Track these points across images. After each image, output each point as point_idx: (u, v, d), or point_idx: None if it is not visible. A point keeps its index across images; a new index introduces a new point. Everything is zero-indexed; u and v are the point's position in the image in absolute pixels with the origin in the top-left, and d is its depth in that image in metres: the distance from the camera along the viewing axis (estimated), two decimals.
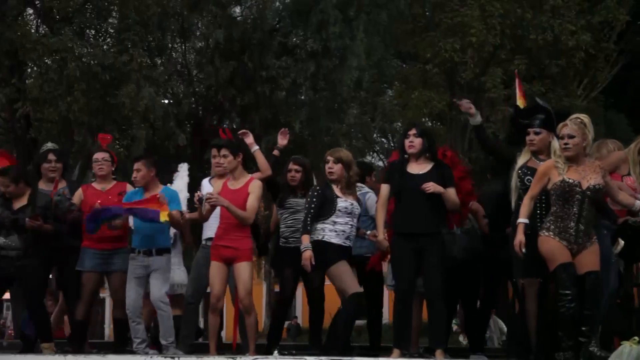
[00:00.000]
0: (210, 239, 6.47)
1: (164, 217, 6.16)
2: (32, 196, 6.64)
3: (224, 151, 6.31)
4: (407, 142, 5.85)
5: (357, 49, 13.58)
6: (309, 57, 13.75)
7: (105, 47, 13.92)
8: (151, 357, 5.77)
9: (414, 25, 19.47)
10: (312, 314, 6.62)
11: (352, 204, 6.15)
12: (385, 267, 7.01)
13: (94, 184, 6.94)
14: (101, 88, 13.17)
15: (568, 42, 17.96)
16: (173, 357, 5.69)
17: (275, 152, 6.97)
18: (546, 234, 5.31)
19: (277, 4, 14.68)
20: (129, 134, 13.30)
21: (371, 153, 23.88)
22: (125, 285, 6.47)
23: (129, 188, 6.90)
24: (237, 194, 6.13)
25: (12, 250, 6.47)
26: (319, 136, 14.44)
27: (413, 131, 5.87)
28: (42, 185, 6.93)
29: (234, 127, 15.12)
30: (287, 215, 6.54)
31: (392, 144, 24.86)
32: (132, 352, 6.22)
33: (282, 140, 7.02)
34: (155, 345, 6.68)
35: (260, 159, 6.70)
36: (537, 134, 5.74)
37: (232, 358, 5.62)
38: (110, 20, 14.67)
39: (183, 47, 14.95)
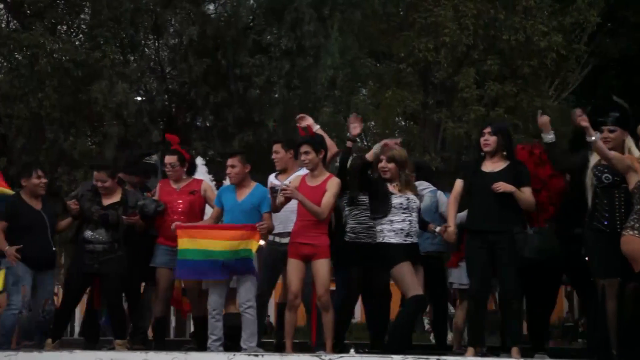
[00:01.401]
0: (278, 234, 6.43)
1: (254, 247, 6.07)
2: (124, 195, 6.66)
3: (306, 147, 6.18)
4: (482, 140, 5.84)
5: (331, 47, 13.60)
6: (283, 55, 13.74)
7: (77, 43, 13.80)
8: (234, 355, 5.64)
9: (388, 24, 19.53)
10: (375, 315, 6.61)
11: (407, 199, 6.12)
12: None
13: (170, 182, 6.87)
14: (73, 84, 13.05)
15: (540, 43, 18.12)
16: (257, 356, 5.58)
17: (349, 144, 6.68)
18: (631, 233, 5.21)
19: (252, 1, 14.64)
20: (101, 131, 13.19)
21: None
22: (199, 283, 6.45)
23: (205, 185, 6.85)
24: (315, 191, 6.08)
25: (98, 244, 6.48)
26: (293, 134, 14.41)
27: (488, 129, 5.87)
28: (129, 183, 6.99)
29: (207, 124, 15.08)
30: (357, 212, 6.43)
31: (365, 143, 24.92)
32: (213, 350, 6.12)
33: (355, 130, 6.67)
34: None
35: (325, 137, 6.59)
36: (611, 131, 5.60)
37: (317, 356, 5.51)
38: (82, 16, 14.53)
39: (156, 44, 14.86)
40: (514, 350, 5.64)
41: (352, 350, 5.83)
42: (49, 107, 12.63)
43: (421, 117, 20.04)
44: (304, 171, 6.33)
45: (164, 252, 6.61)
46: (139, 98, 14.17)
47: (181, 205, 6.67)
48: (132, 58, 14.37)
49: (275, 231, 6.48)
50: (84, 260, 6.53)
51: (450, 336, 8.32)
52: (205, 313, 6.47)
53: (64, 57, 12.84)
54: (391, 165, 6.18)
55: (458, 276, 7.04)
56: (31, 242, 6.42)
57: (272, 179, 6.78)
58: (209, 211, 6.72)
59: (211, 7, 14.87)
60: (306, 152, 6.15)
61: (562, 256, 5.91)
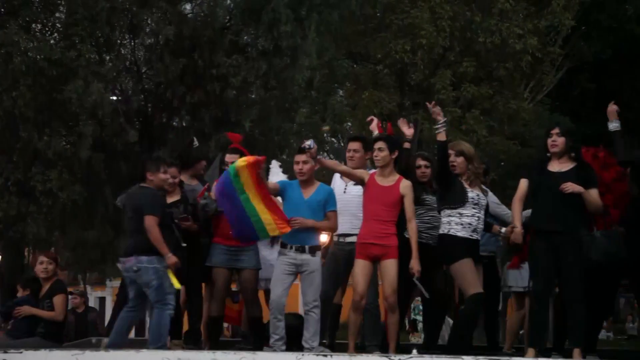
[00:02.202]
0: (343, 235, 6.41)
1: (273, 232, 6.08)
2: (184, 194, 6.65)
3: (380, 144, 6.17)
4: (549, 141, 5.81)
5: (308, 48, 13.58)
6: (260, 55, 13.71)
7: (52, 41, 13.65)
8: (302, 355, 5.60)
9: (365, 26, 19.59)
10: (432, 314, 6.60)
11: (478, 195, 6.10)
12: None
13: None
14: (47, 83, 12.92)
15: (515, 45, 18.27)
16: (326, 356, 5.52)
17: (406, 145, 6.71)
18: None
19: (228, 1, 14.58)
20: (76, 131, 13.07)
21: (321, 153, 23.93)
22: (256, 283, 6.48)
23: None
24: (386, 191, 6.07)
25: None
26: (270, 135, 14.41)
27: (556, 130, 5.84)
28: (185, 180, 6.92)
29: (184, 124, 15.01)
30: (422, 212, 6.44)
31: (342, 144, 24.93)
32: (276, 350, 6.09)
33: (408, 130, 6.73)
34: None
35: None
36: None
37: (386, 357, 5.50)
38: (57, 15, 14.38)
39: (132, 43, 14.76)
40: (576, 352, 5.63)
41: (414, 351, 5.79)
42: (23, 106, 12.49)
43: (398, 118, 20.14)
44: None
45: (221, 252, 6.56)
46: (115, 98, 14.07)
47: None
48: (108, 57, 14.25)
49: (340, 231, 6.47)
50: None
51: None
52: (260, 314, 6.53)
53: (38, 56, 12.70)
54: (460, 160, 6.14)
55: (514, 279, 7.03)
56: (166, 238, 6.29)
57: (337, 176, 6.76)
58: None
59: (188, 6, 14.80)
60: (380, 149, 6.13)
61: (627, 260, 5.88)
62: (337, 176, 6.78)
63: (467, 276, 5.90)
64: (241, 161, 6.08)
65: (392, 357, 5.41)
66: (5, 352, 5.71)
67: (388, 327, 6.11)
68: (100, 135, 13.28)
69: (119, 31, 14.20)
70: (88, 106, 12.50)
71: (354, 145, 6.67)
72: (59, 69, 12.68)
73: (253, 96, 14.21)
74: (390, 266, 5.98)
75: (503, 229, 6.30)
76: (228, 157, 6.74)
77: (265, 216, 6.09)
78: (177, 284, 6.17)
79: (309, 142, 6.15)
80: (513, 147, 20.11)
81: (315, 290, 6.15)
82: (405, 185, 6.10)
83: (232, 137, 7.19)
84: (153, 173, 6.31)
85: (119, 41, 14.51)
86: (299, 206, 6.21)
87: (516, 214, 5.88)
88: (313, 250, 6.20)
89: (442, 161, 6.08)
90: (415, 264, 5.95)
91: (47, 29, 14.30)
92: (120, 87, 14.48)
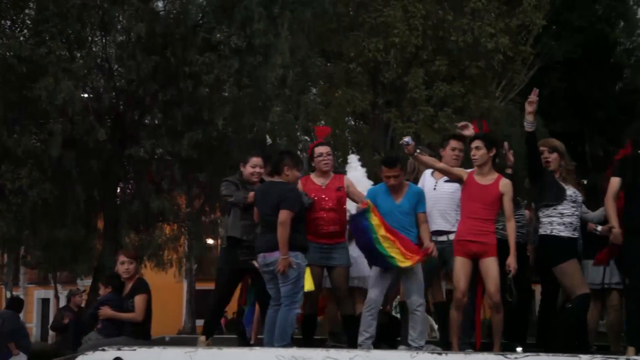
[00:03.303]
0: (434, 232, 6.38)
1: (405, 264, 6.05)
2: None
3: (477, 143, 6.17)
4: None
5: (281, 46, 13.55)
6: (232, 53, 13.65)
7: (22, 38, 13.48)
8: (417, 353, 5.57)
9: (338, 24, 19.61)
10: (517, 313, 6.55)
11: (574, 192, 6.07)
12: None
13: (313, 178, 6.80)
14: (17, 80, 12.76)
15: (487, 44, 18.40)
16: (440, 354, 5.48)
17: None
18: None
19: None
20: (47, 128, 12.93)
21: (298, 151, 23.92)
22: (347, 280, 6.49)
23: (347, 181, 6.79)
24: (486, 190, 6.05)
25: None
26: (243, 133, 14.36)
27: None
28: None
29: (156, 122, 14.91)
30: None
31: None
32: (364, 348, 6.04)
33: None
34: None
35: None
36: None
37: (502, 355, 5.42)
38: (27, 11, 14.20)
39: (103, 41, 14.62)
40: (631, 349, 5.67)
41: (519, 349, 5.77)
42: None
43: (371, 116, 20.17)
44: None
45: (314, 250, 6.51)
46: (86, 95, 13.93)
47: (330, 202, 6.62)
48: (79, 55, 14.11)
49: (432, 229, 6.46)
50: (237, 256, 6.47)
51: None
52: (354, 311, 6.53)
53: (7, 53, 12.55)
54: (554, 156, 6.12)
55: (594, 276, 6.98)
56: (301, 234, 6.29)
57: (427, 173, 6.76)
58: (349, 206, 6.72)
59: (160, 4, 14.69)
60: (477, 147, 6.14)
61: None
62: (427, 172, 6.77)
63: (575, 276, 5.92)
64: (373, 208, 6.17)
65: (508, 356, 5.37)
66: (119, 349, 5.75)
67: (493, 325, 6.10)
68: (71, 133, 13.15)
69: (90, 28, 14.08)
70: (58, 104, 12.36)
71: (457, 144, 6.67)
72: (29, 66, 12.53)
73: (226, 94, 14.15)
74: (491, 264, 5.97)
75: (599, 227, 6.28)
76: (321, 149, 6.82)
77: (395, 252, 6.10)
78: (310, 286, 6.18)
79: (406, 139, 6.17)
80: None
81: (419, 289, 6.18)
82: (505, 184, 6.10)
83: (319, 131, 7.18)
84: (290, 169, 6.33)
85: (90, 38, 14.37)
86: (392, 211, 6.25)
87: (612, 213, 5.82)
88: None
89: (532, 154, 6.07)
90: (512, 262, 5.93)
91: (16, 25, 14.12)
92: (91, 85, 14.34)
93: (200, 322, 36.79)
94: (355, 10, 19.64)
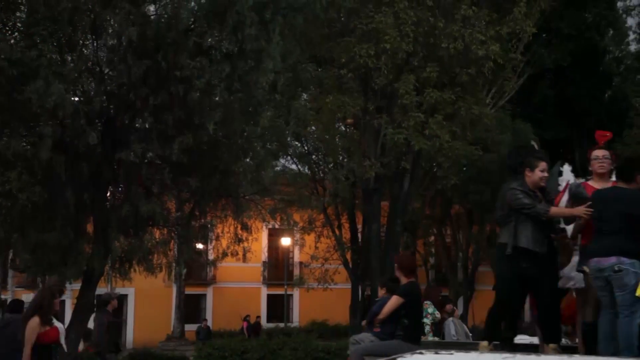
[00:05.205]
0: None
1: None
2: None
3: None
4: None
5: (273, 51, 13.56)
6: (224, 58, 13.65)
7: (12, 41, 13.45)
8: None
9: (330, 30, 19.67)
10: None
11: None
12: None
13: (592, 184, 6.62)
14: (7, 83, 12.73)
15: (478, 51, 18.49)
16: None
17: None
18: None
19: (193, 3, 14.50)
20: (37, 132, 12.90)
21: (285, 157, 23.92)
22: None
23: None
24: None
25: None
26: (233, 138, 14.36)
27: None
28: None
29: (146, 126, 14.88)
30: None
31: (305, 148, 24.94)
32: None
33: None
34: None
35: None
36: None
37: None
38: (18, 14, 14.17)
39: (95, 44, 14.60)
40: None
41: None
42: None
43: (361, 122, 20.21)
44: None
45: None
46: (76, 99, 13.90)
47: None
48: (70, 58, 14.08)
49: None
50: (521, 264, 6.43)
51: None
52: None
53: None
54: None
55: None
56: None
57: (571, 178, 6.79)
58: None
59: (151, 8, 14.68)
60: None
61: None
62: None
63: None
64: None
65: None
66: (437, 352, 5.84)
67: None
68: (61, 137, 13.12)
69: (81, 31, 14.05)
70: (49, 107, 12.33)
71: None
72: (20, 69, 12.50)
73: (217, 99, 14.14)
74: None
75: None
76: (597, 152, 6.67)
77: None
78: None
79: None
80: (475, 152, 20.33)
81: None
82: None
83: (599, 136, 7.03)
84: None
85: (81, 41, 14.34)
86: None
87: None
88: None
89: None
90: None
91: (7, 28, 14.09)
92: (82, 88, 14.32)
93: (188, 327, 36.60)
94: (346, 17, 19.70)
